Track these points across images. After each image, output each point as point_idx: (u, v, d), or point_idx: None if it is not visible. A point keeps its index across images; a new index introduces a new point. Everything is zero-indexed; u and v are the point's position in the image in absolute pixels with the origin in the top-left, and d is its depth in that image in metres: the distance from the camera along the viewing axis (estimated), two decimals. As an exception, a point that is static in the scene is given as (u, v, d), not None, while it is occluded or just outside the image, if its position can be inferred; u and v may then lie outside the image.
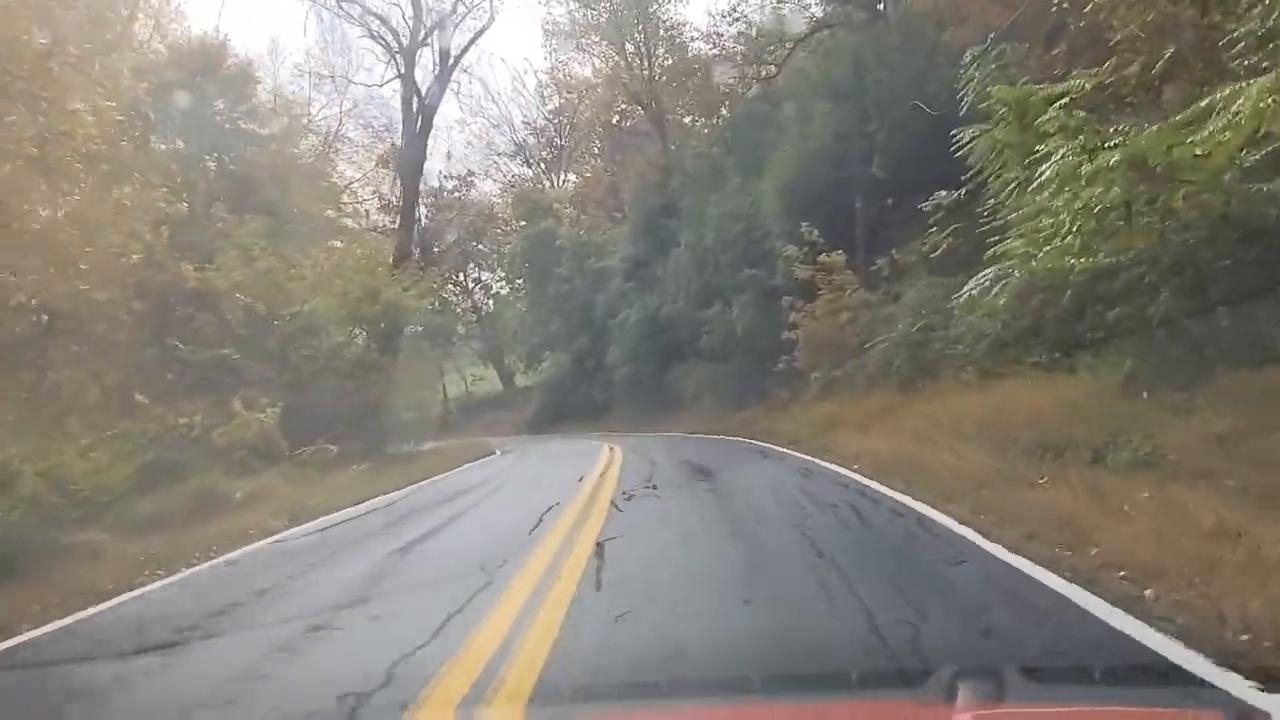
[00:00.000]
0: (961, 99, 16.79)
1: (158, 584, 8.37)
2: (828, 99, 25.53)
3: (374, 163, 45.49)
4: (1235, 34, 9.01)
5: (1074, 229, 9.46)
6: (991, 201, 14.10)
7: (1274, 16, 8.32)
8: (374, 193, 47.02)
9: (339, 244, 23.91)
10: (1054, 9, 13.74)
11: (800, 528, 7.88)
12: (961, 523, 7.35)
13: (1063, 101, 10.53)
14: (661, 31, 43.22)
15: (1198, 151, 8.39)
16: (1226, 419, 7.49)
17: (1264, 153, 8.23)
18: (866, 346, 17.22)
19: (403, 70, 31.88)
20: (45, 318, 14.04)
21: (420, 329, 40.98)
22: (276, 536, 10.87)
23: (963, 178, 16.57)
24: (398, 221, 32.37)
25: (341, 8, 33.84)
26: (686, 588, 6.28)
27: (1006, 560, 6.07)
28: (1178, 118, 8.97)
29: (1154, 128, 9.01)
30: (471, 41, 34.41)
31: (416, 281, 26.98)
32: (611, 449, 19.68)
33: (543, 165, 55.10)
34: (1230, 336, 8.65)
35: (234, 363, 18.39)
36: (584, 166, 48.30)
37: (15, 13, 12.48)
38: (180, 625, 6.24)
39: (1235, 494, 6.29)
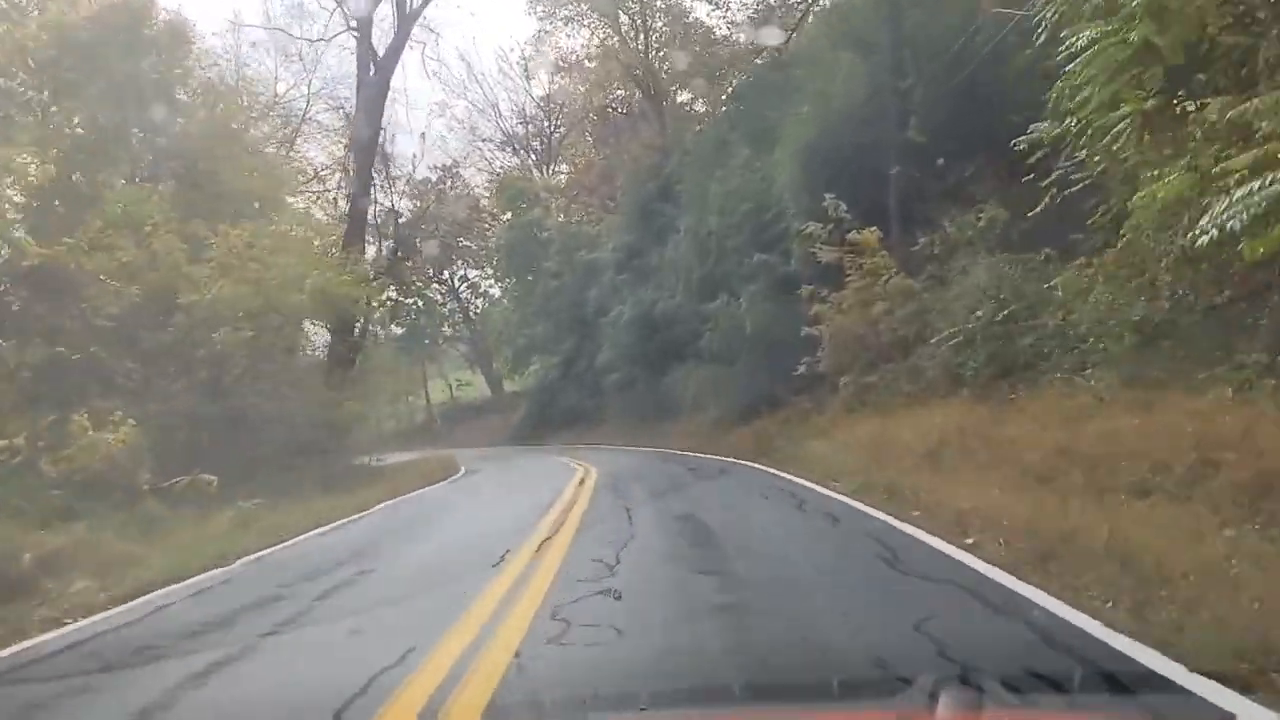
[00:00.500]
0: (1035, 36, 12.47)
1: None
2: (853, 50, 21.34)
3: (345, 147, 41.23)
4: None
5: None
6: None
7: None
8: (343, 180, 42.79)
9: (277, 226, 19.59)
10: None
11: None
12: None
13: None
14: (659, 1, 39.14)
15: None
16: None
17: None
18: (932, 341, 12.88)
19: (354, 23, 27.72)
20: None
21: (379, 327, 36.83)
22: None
23: (1035, 129, 12.52)
24: (349, 200, 27.94)
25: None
26: None
27: None
28: None
29: None
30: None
31: (354, 265, 22.70)
32: (582, 480, 15.48)
33: (533, 156, 50.99)
34: None
35: (101, 364, 14.17)
36: (576, 155, 44.13)
37: None
38: None
39: None
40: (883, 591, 5.93)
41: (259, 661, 5.54)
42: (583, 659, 4.70)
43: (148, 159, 22.76)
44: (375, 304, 22.78)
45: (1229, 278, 7.59)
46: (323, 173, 41.53)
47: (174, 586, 8.48)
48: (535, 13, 40.50)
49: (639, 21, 39.51)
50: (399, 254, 40.46)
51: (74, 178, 16.59)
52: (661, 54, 39.11)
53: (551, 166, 48.41)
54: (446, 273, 59.95)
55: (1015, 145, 11.73)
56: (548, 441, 39.16)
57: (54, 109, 20.29)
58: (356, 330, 39.91)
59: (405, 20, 27.69)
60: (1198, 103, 7.57)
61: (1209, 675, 3.61)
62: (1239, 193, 5.52)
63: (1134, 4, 8.72)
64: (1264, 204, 5.31)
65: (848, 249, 19.09)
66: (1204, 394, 7.25)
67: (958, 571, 5.99)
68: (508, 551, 7.95)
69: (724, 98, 32.89)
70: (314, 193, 40.33)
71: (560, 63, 43.64)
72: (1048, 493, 6.96)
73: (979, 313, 11.85)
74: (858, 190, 19.75)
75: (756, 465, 15.11)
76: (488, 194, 52.42)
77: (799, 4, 30.10)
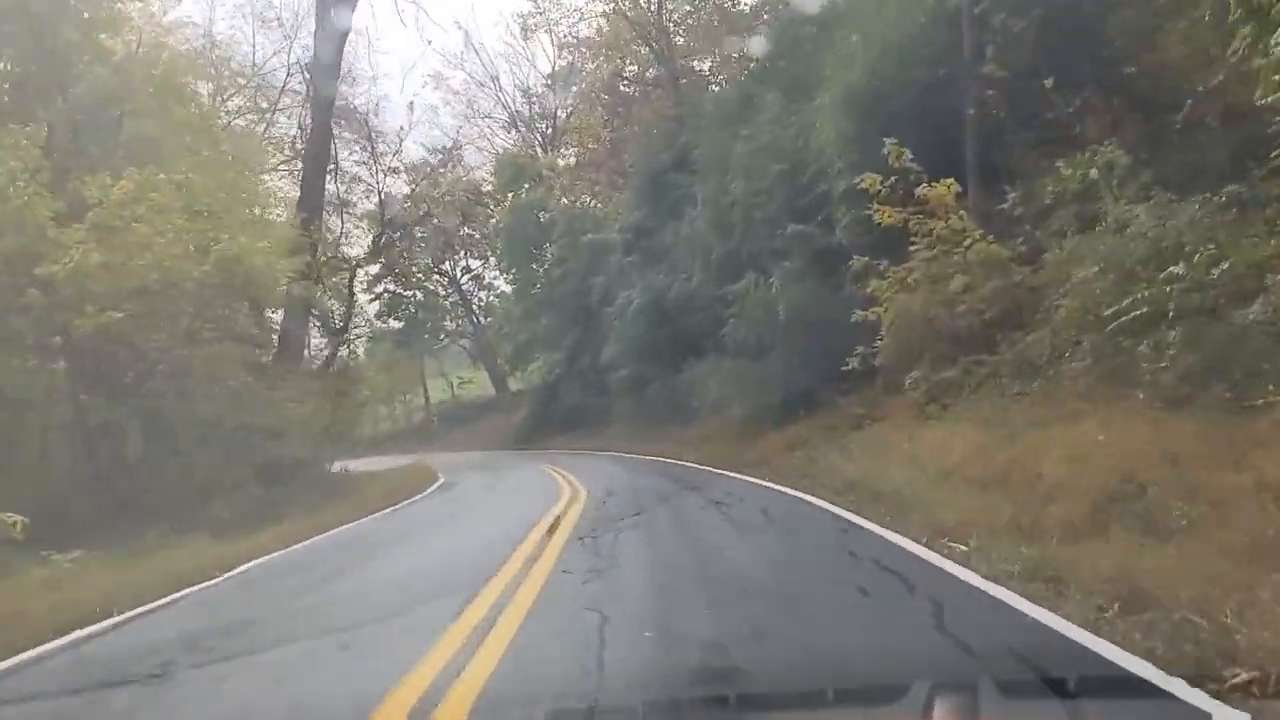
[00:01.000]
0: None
1: None
2: (913, -34, 17.15)
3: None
4: None
5: None
6: None
7: None
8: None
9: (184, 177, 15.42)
10: None
11: None
12: None
13: None
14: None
15: None
16: None
17: None
18: (1110, 313, 8.41)
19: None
20: None
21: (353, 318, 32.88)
22: None
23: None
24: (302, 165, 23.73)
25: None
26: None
27: None
28: None
29: None
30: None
31: (277, 231, 18.61)
32: (558, 516, 11.25)
33: (537, 135, 46.88)
34: None
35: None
36: (583, 130, 39.92)
37: None
38: None
39: None
40: None
41: None
42: None
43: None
44: (294, 278, 18.35)
45: None
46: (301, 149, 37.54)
47: None
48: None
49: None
50: (383, 239, 36.38)
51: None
52: (674, 13, 34.92)
53: (556, 145, 44.26)
54: (448, 264, 56.21)
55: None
56: (549, 445, 35.07)
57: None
58: (336, 319, 36.22)
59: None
60: None
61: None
62: None
63: None
64: None
65: (914, 209, 14.89)
66: None
67: None
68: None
69: (748, 51, 28.66)
70: (294, 171, 36.37)
71: (567, 34, 39.53)
72: None
73: (1177, 270, 7.52)
74: (921, 139, 15.54)
75: (809, 498, 10.42)
76: (491, 179, 48.33)
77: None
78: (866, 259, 15.67)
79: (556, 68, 44.72)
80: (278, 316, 24.40)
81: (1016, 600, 5.06)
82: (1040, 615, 4.74)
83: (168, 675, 5.25)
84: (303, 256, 18.69)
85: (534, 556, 7.92)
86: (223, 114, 32.07)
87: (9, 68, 16.92)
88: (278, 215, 24.76)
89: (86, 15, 18.77)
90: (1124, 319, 8.05)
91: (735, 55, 30.83)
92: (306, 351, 33.56)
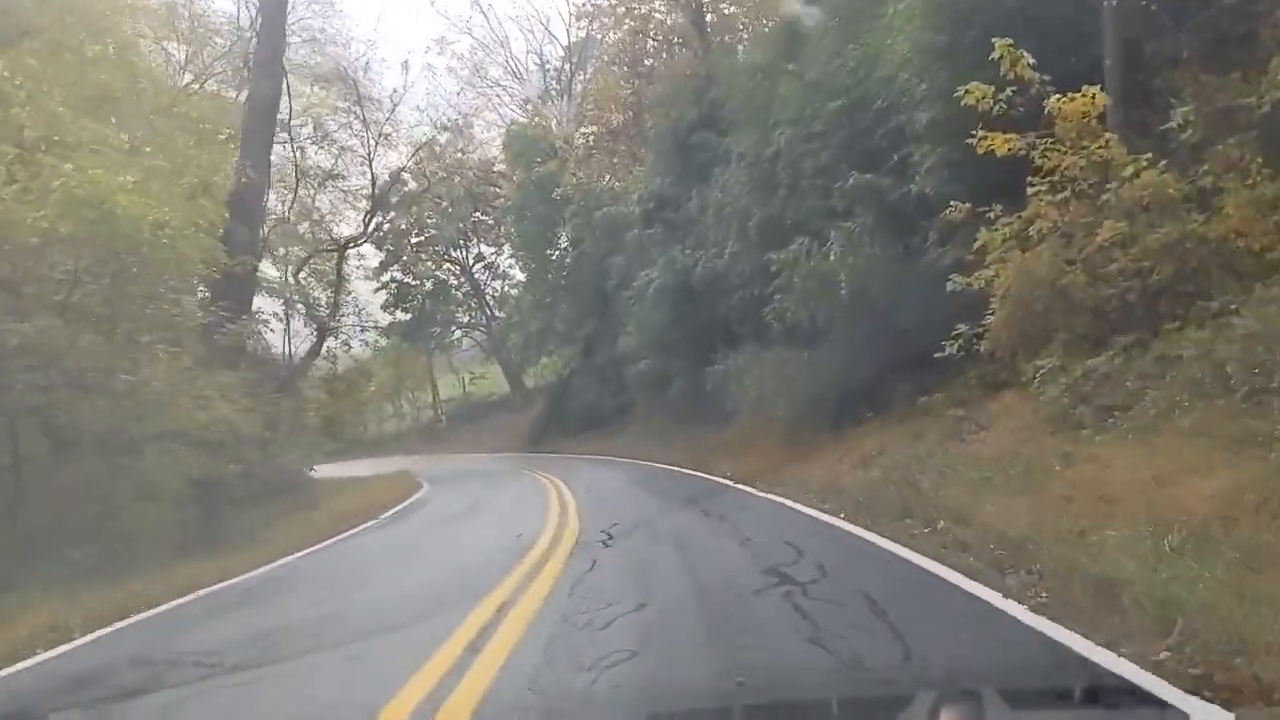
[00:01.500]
0: None
1: None
2: None
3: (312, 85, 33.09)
4: None
5: None
6: None
7: None
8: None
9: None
10: None
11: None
12: None
13: None
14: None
15: None
16: None
17: None
18: None
19: None
20: None
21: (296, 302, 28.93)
22: None
23: None
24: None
25: None
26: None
27: None
28: None
29: None
30: None
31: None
32: (531, 580, 7.17)
33: (551, 106, 42.84)
34: None
35: None
36: (600, 95, 35.68)
37: None
38: None
39: None
40: None
41: None
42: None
43: None
44: (227, 255, 14.48)
45: None
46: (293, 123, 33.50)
47: None
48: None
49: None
50: (374, 216, 32.41)
51: None
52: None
53: (571, 116, 40.13)
54: (460, 251, 52.28)
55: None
56: (561, 448, 31.12)
57: None
58: (322, 308, 32.42)
59: None
60: None
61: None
62: None
63: None
64: None
65: (1040, 134, 10.70)
66: None
67: None
68: None
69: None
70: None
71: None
72: None
73: None
74: (1042, 46, 11.36)
75: (954, 577, 5.53)
76: (502, 159, 44.27)
77: None
78: (968, 205, 11.50)
79: (573, 38, 40.84)
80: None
81: None
82: None
83: None
84: (226, 223, 14.64)
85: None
86: (189, 76, 28.43)
87: None
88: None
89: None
90: None
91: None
92: (283, 348, 29.74)
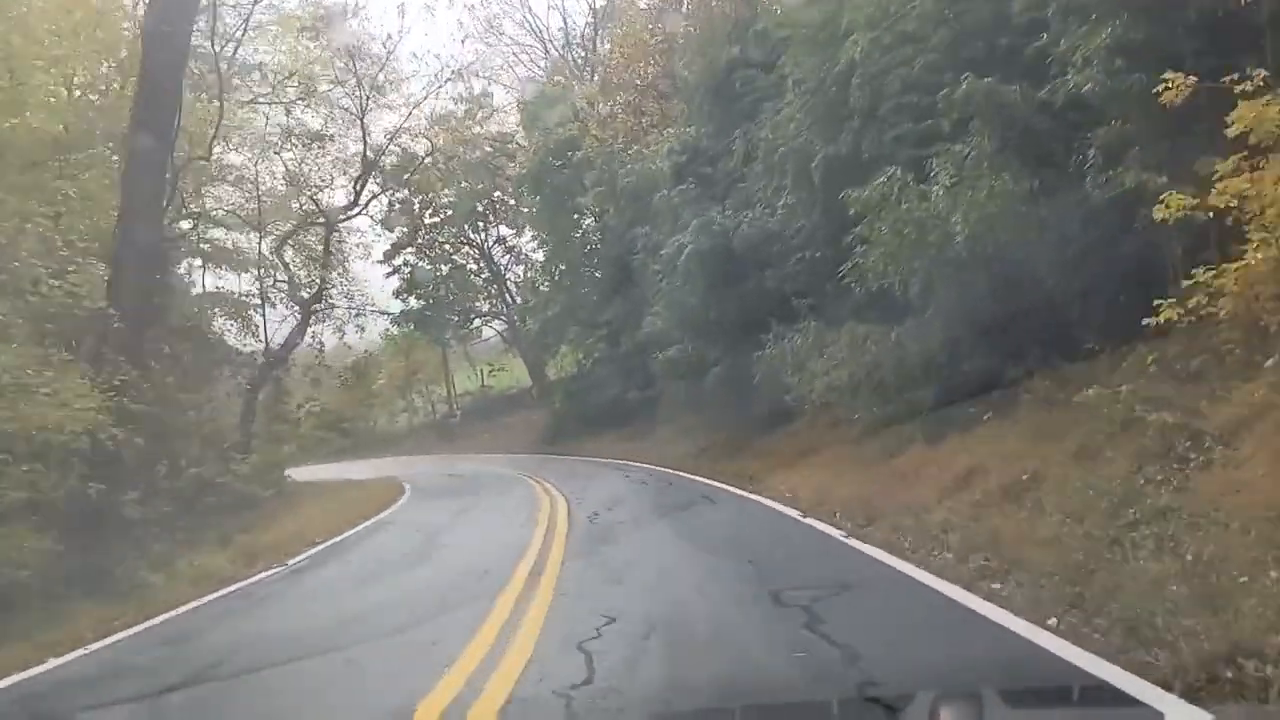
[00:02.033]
0: None
1: None
2: None
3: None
4: None
5: None
6: None
7: None
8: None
9: None
10: None
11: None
12: None
13: None
14: None
15: None
16: None
17: None
18: None
19: None
20: None
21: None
22: None
23: None
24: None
25: None
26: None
27: None
28: None
29: None
30: None
31: None
32: None
33: (571, 62, 38.62)
34: None
35: None
36: (627, 49, 31.33)
37: None
38: None
39: None
40: None
41: None
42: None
43: None
44: None
45: None
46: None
47: None
48: None
49: None
50: (363, 182, 28.34)
51: None
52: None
53: (594, 75, 35.86)
54: (479, 235, 48.25)
55: None
56: (579, 449, 27.04)
57: None
58: (306, 288, 28.23)
59: None
60: None
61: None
62: None
63: None
64: None
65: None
66: None
67: None
68: None
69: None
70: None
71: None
72: None
73: None
74: None
75: None
76: (521, 125, 40.04)
77: None
78: (1193, 79, 7.18)
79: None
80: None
81: None
82: None
83: None
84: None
85: None
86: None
87: None
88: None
89: None
90: None
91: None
92: (264, 335, 25.80)
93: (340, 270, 30.22)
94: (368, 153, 27.74)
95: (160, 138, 13.69)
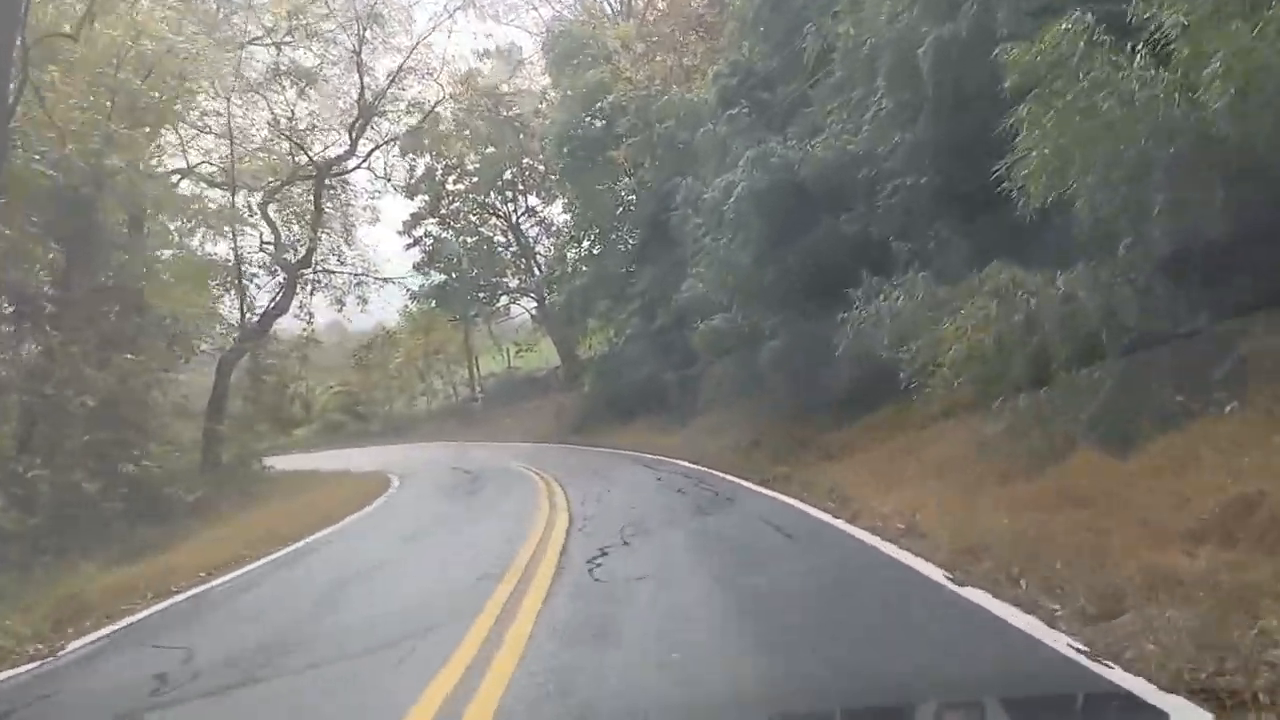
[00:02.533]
0: None
1: None
2: None
3: None
4: None
5: None
6: None
7: None
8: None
9: None
10: None
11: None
12: None
13: None
14: None
15: None
16: None
17: None
18: None
19: None
20: None
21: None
22: None
23: None
24: None
25: None
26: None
27: None
28: None
29: None
30: None
31: None
32: None
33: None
34: None
35: None
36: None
37: None
38: None
39: None
40: None
41: None
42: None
43: None
44: None
45: None
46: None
47: None
48: None
49: None
50: (361, 129, 24.40)
51: None
52: None
53: (627, 12, 31.81)
54: (508, 205, 44.44)
55: None
56: (607, 438, 23.26)
57: None
58: (294, 249, 24.36)
59: None
60: None
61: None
62: None
63: None
64: None
65: None
66: None
67: None
68: None
69: None
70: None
71: None
72: None
73: None
74: None
75: None
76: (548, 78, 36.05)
77: None
78: None
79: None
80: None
81: None
82: None
83: None
84: None
85: None
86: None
87: None
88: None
89: None
90: None
91: None
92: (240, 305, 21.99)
93: (344, 236, 26.64)
94: (366, 95, 23.94)
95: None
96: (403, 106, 24.90)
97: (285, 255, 22.81)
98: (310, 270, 24.08)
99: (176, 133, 22.15)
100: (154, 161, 20.83)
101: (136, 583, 8.26)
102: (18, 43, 10.56)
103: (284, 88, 22.94)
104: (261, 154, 22.62)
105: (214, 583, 8.68)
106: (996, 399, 8.22)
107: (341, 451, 33.24)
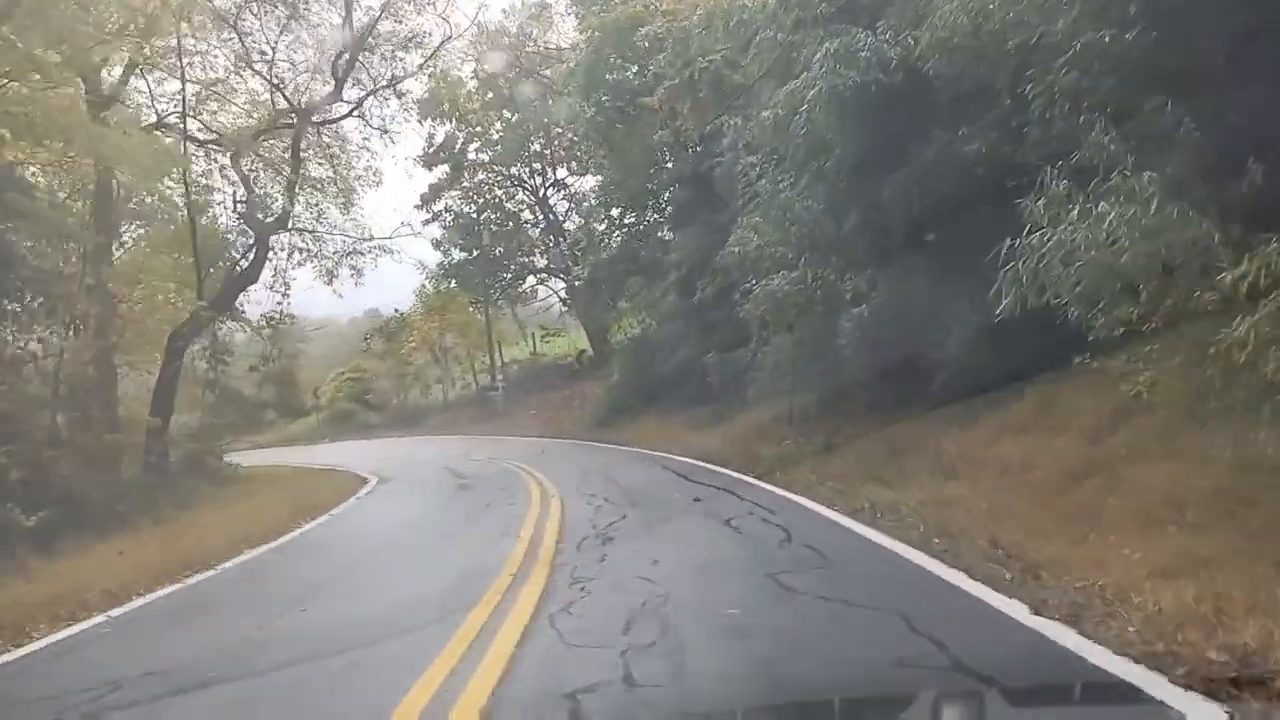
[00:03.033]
0: None
1: None
2: None
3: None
4: None
5: None
6: None
7: None
8: None
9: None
10: None
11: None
12: None
13: None
14: None
15: None
16: None
17: None
18: None
19: None
20: None
21: None
22: None
23: None
24: None
25: None
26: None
27: None
28: None
29: None
30: None
31: None
32: None
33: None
34: None
35: None
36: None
37: None
38: None
39: None
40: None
41: None
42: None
43: None
44: None
45: None
46: None
47: None
48: None
49: None
50: (349, 65, 20.40)
51: None
52: None
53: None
54: (536, 178, 40.69)
55: None
56: (638, 435, 19.39)
57: None
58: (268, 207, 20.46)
59: None
60: None
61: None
62: None
63: None
64: None
65: None
66: None
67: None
68: None
69: None
70: None
71: None
72: None
73: None
74: None
75: None
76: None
77: None
78: None
79: None
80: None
81: None
82: None
83: None
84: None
85: None
86: None
87: None
88: None
89: None
90: None
91: None
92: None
93: (341, 201, 22.85)
94: (352, 23, 20.10)
95: None
96: (399, 41, 21.04)
97: (257, 214, 19.17)
98: (286, 232, 20.44)
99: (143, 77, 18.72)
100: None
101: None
102: None
103: (256, 15, 19.22)
104: (218, 92, 18.94)
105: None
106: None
107: (336, 446, 29.90)
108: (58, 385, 13.55)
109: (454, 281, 39.81)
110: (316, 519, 11.62)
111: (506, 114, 37.59)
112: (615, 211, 26.99)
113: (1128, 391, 6.48)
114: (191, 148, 19.41)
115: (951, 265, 8.97)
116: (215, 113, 19.81)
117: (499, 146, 39.07)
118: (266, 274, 21.09)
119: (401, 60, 21.93)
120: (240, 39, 19.07)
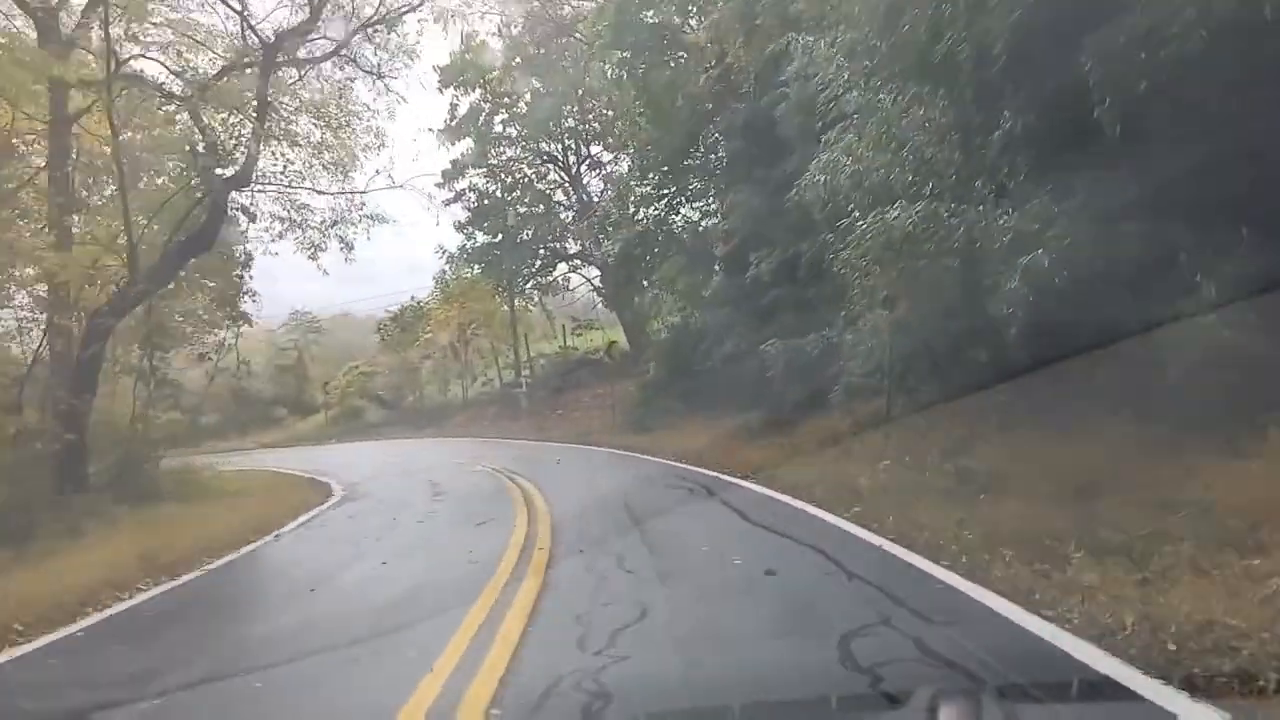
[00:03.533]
0: None
1: None
2: None
3: None
4: None
5: None
6: None
7: None
8: None
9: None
10: None
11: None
12: None
13: None
14: None
15: None
16: None
17: None
18: None
19: None
20: None
21: None
22: None
23: None
24: None
25: None
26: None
27: None
28: None
29: None
30: None
31: None
32: None
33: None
34: None
35: None
36: None
37: None
38: None
39: None
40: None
41: None
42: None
43: None
44: None
45: None
46: None
47: None
48: None
49: None
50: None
51: None
52: None
53: None
54: (570, 154, 36.87)
55: None
56: (674, 444, 15.47)
57: None
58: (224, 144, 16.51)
59: None
60: None
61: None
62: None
63: None
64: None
65: None
66: None
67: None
68: None
69: None
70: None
71: None
72: None
73: None
74: None
75: None
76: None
77: None
78: None
79: None
80: None
81: None
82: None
83: None
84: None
85: None
86: None
87: None
88: None
89: None
90: None
91: None
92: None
93: (329, 161, 19.19)
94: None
95: None
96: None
97: (215, 170, 15.53)
98: (249, 189, 16.78)
99: None
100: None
101: None
102: None
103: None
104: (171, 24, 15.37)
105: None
106: None
107: (338, 448, 26.46)
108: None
109: (478, 267, 36.24)
110: (179, 577, 7.82)
111: (535, 83, 33.94)
112: (652, 176, 23.03)
113: None
114: (151, 94, 15.91)
115: (1209, 168, 5.01)
116: (171, 47, 16.24)
117: (527, 119, 35.39)
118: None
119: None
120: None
